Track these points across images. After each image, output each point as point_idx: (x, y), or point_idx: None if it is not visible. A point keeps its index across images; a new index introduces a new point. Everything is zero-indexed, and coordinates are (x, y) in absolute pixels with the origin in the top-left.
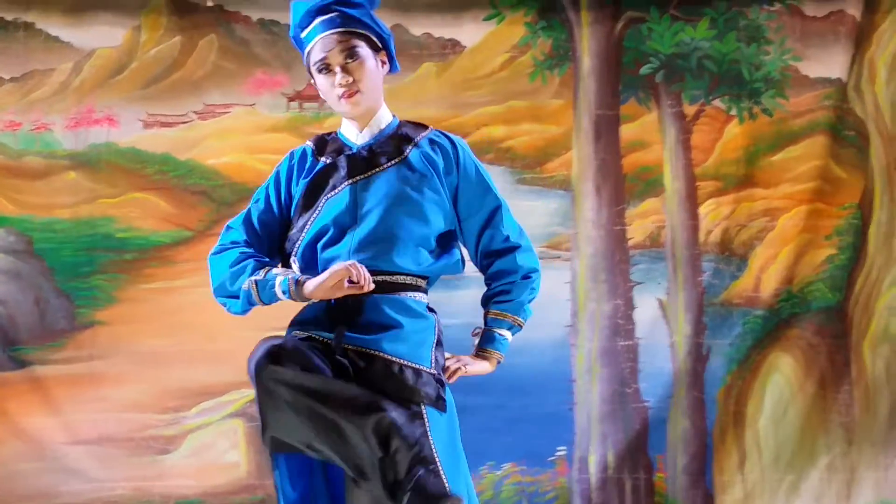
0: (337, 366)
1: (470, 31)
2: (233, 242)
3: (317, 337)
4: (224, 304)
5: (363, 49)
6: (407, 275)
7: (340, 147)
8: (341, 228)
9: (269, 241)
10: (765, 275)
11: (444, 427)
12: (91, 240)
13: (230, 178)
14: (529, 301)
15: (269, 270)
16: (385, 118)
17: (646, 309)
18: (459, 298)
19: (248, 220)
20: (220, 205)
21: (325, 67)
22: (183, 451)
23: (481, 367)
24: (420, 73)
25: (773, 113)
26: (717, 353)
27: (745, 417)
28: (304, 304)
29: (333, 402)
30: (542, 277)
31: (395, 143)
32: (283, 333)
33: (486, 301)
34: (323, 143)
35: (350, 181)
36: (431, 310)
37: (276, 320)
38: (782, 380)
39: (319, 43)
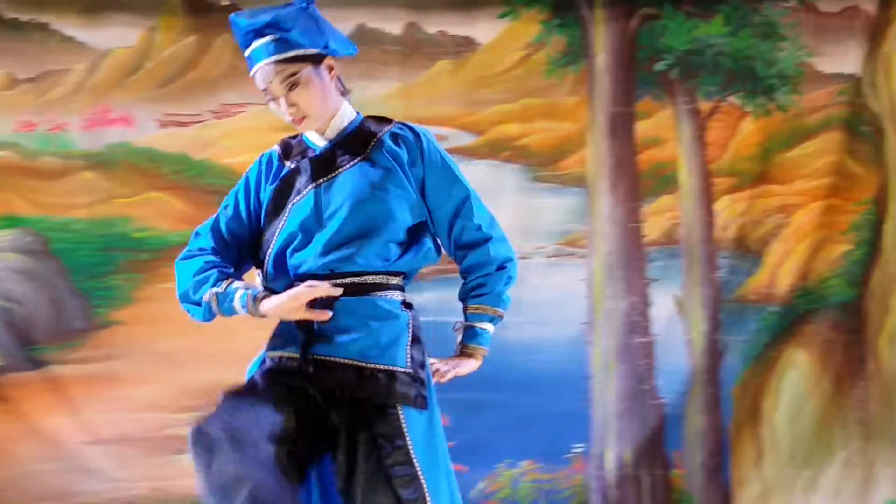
0: (306, 392)
1: (484, 29)
2: (200, 249)
3: (289, 356)
4: (188, 311)
5: (303, 73)
6: (376, 273)
7: (305, 150)
8: (308, 232)
9: (237, 248)
10: (780, 271)
11: (424, 426)
12: (107, 240)
13: None
14: (507, 290)
15: (230, 283)
16: (346, 116)
17: (662, 306)
18: None
19: (216, 228)
20: None
21: (270, 97)
22: None
23: (469, 366)
24: (434, 70)
25: (787, 109)
26: (733, 349)
27: (761, 414)
28: None
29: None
30: (558, 275)
31: (357, 140)
32: None
33: (464, 295)
34: (289, 147)
35: (314, 184)
36: (409, 306)
37: None
38: (798, 376)
39: (259, 73)
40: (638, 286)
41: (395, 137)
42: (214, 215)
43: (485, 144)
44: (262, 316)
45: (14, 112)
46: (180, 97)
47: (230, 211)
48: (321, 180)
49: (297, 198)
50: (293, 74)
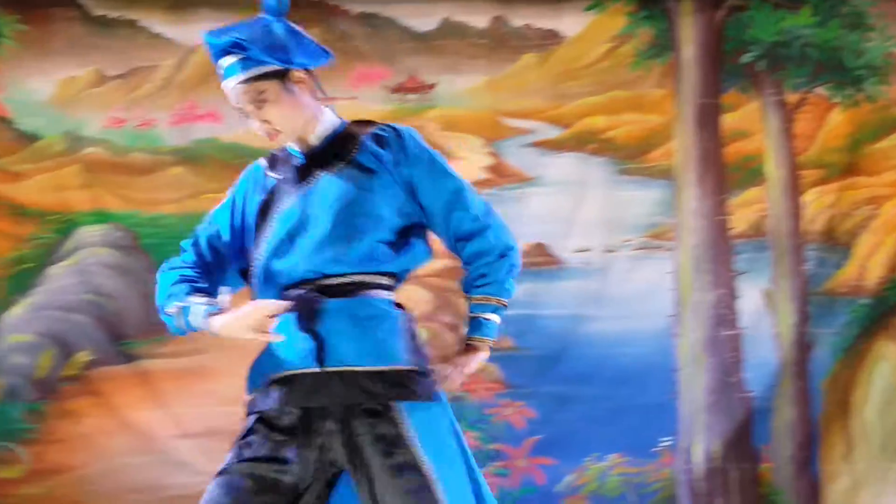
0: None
1: (570, 22)
2: (183, 262)
3: (270, 415)
4: (166, 322)
5: (271, 90)
6: (364, 275)
7: (289, 160)
8: (293, 239)
9: (217, 263)
10: (870, 263)
11: (434, 421)
12: None
13: None
14: (510, 279)
15: (194, 297)
16: (328, 124)
17: (749, 299)
18: (560, 289)
19: (196, 242)
20: None
21: (243, 114)
22: None
23: (476, 359)
24: (520, 64)
25: (876, 100)
26: (822, 342)
27: (851, 406)
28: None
29: None
30: (645, 268)
31: (340, 146)
32: None
33: (467, 287)
34: (274, 159)
35: (297, 192)
36: (400, 306)
37: None
38: (889, 368)
39: (230, 91)
40: (725, 279)
41: (377, 139)
42: (199, 228)
43: (571, 137)
44: (217, 334)
45: (104, 108)
46: None
47: (213, 227)
48: (305, 187)
49: (282, 207)
50: (261, 92)
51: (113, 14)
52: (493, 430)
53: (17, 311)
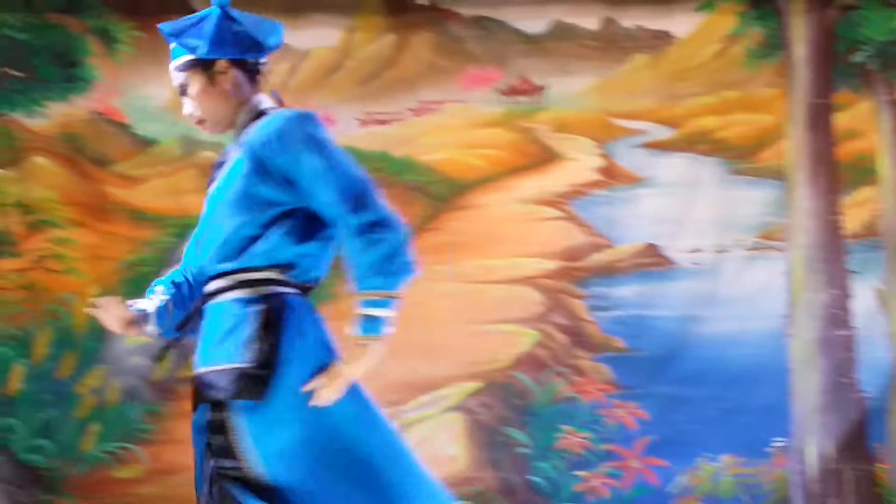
0: None
1: (681, 22)
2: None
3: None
4: None
5: (193, 79)
6: (233, 273)
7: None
8: (199, 238)
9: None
10: None
11: (274, 422)
12: None
13: (445, 174)
14: (385, 260)
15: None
16: (251, 113)
17: (863, 299)
18: (672, 290)
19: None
20: (436, 201)
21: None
22: None
23: (359, 364)
24: (631, 65)
25: None
26: None
27: None
28: None
29: None
30: (757, 268)
31: (241, 137)
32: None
33: (353, 280)
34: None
35: (209, 192)
36: (266, 298)
37: (487, 313)
38: None
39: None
40: (838, 279)
41: (262, 127)
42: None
43: (682, 138)
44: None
45: None
46: (380, 95)
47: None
48: (211, 184)
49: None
50: (185, 82)
51: None
52: (606, 432)
53: None
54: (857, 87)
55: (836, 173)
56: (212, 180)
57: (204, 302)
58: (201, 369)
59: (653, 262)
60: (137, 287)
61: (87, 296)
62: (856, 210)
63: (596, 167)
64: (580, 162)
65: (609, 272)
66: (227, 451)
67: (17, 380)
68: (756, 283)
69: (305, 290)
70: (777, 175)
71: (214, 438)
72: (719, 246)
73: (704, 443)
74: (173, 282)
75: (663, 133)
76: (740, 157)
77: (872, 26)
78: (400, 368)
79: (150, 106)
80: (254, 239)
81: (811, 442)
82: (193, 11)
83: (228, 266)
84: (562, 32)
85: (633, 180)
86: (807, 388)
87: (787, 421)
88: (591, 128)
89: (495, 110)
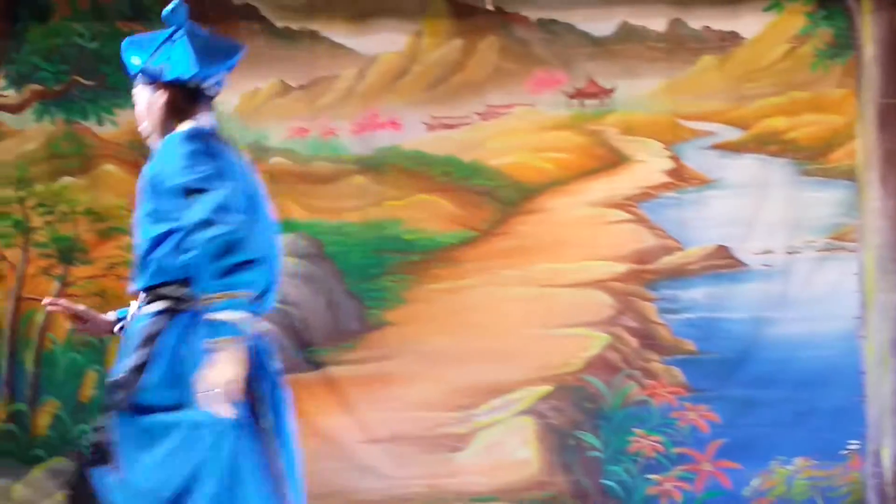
0: None
1: (749, 23)
2: None
3: None
4: None
5: (139, 94)
6: (141, 293)
7: None
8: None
9: None
10: None
11: (136, 433)
12: (379, 242)
13: (514, 177)
14: (218, 265)
15: None
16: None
17: None
18: (743, 292)
19: None
20: (504, 205)
21: None
22: (474, 449)
23: (216, 369)
24: (699, 66)
25: None
26: None
27: None
28: None
29: None
30: (828, 269)
31: None
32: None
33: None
34: None
35: None
36: (161, 312)
37: (558, 317)
38: None
39: None
40: None
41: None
42: None
43: (751, 139)
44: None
45: (287, 119)
46: (447, 100)
47: None
48: None
49: None
50: (133, 94)
51: (295, 26)
52: (678, 435)
53: None
54: None
55: None
56: None
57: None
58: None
59: (723, 263)
60: None
61: None
62: None
63: (665, 169)
64: (649, 164)
65: (679, 274)
66: (105, 456)
67: (90, 386)
68: (827, 284)
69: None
70: (847, 176)
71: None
72: (790, 247)
73: (777, 445)
74: None
75: (732, 134)
76: (810, 157)
77: None
78: (471, 372)
79: (217, 112)
80: (149, 255)
81: (886, 444)
82: (263, 19)
83: (140, 283)
84: (629, 34)
85: (703, 182)
86: (881, 389)
87: (861, 423)
88: (660, 130)
89: (563, 113)
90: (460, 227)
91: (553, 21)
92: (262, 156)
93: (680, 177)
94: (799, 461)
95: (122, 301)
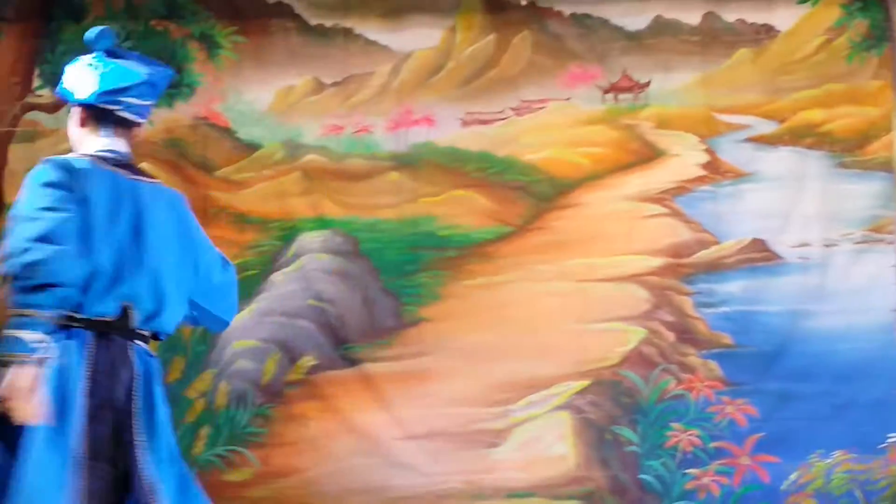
0: None
1: (783, 15)
2: None
3: None
4: None
5: (66, 112)
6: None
7: None
8: None
9: None
10: None
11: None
12: (414, 238)
13: (548, 172)
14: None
15: None
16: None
17: None
18: (780, 285)
19: None
20: (539, 200)
21: None
22: (511, 445)
23: (4, 381)
24: (735, 59)
25: None
26: None
27: None
28: None
29: None
30: (866, 262)
31: None
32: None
33: None
34: None
35: None
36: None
37: (594, 311)
38: None
39: None
40: None
41: None
42: None
43: (787, 132)
44: None
45: (322, 116)
46: (481, 95)
47: None
48: None
49: None
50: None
51: (329, 23)
52: (715, 429)
53: (243, 317)
54: None
55: None
56: None
57: None
58: None
59: (759, 257)
60: (242, 290)
61: None
62: None
63: (700, 163)
64: (684, 158)
65: (715, 268)
66: None
67: None
68: (865, 276)
69: (103, 324)
70: (885, 168)
71: None
72: (827, 240)
73: (815, 439)
74: None
75: (768, 127)
76: (847, 150)
77: None
78: (508, 368)
79: (252, 110)
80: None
81: None
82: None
83: None
84: (663, 28)
85: (738, 175)
86: None
87: None
88: (695, 123)
89: (597, 108)
90: (495, 222)
91: (587, 15)
92: (296, 153)
93: (715, 170)
94: (837, 454)
95: None
